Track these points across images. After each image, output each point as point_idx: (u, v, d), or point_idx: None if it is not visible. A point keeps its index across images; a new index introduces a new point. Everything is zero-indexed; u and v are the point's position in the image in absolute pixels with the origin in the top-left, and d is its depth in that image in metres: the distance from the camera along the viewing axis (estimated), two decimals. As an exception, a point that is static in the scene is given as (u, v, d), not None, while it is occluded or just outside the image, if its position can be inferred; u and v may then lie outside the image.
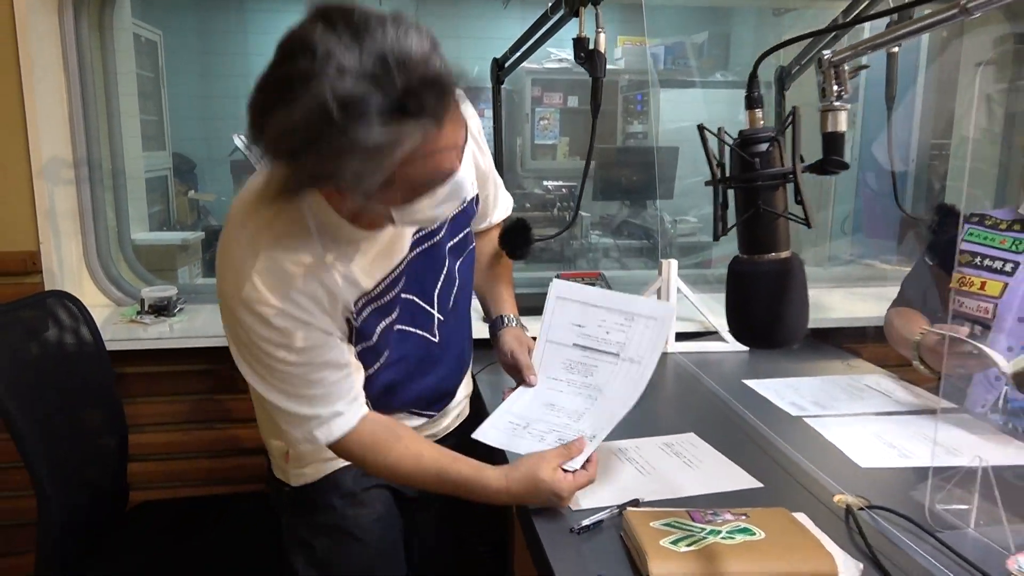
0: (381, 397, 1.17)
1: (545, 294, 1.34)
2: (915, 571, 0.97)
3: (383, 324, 1.12)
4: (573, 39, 1.33)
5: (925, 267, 1.74)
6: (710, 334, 1.93)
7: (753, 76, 0.85)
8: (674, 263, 1.87)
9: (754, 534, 0.98)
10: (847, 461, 1.29)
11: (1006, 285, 1.54)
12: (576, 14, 1.33)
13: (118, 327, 1.93)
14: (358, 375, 1.10)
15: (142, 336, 1.90)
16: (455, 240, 1.21)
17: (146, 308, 1.97)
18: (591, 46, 1.31)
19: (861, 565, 0.96)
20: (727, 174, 0.88)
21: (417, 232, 1.13)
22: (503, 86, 1.93)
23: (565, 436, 1.16)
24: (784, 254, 0.85)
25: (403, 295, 1.14)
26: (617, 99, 4.51)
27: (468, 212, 1.25)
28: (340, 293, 1.03)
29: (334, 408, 1.06)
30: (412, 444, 1.12)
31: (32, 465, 1.40)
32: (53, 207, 1.90)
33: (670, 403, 1.63)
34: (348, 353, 1.08)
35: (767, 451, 1.35)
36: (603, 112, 1.35)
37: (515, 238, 1.35)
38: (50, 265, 1.89)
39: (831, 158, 0.83)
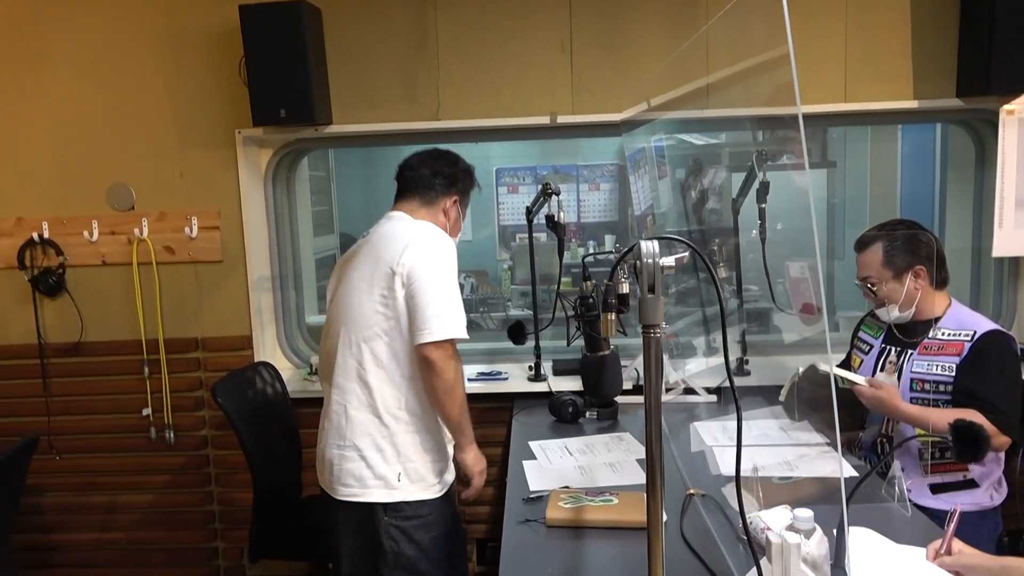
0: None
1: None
2: (696, 519, 1.76)
3: None
4: (545, 215, 2.24)
5: None
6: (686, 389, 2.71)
7: (584, 269, 1.73)
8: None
9: (611, 501, 1.81)
10: (710, 471, 2.07)
11: (862, 360, 2.28)
12: (548, 198, 2.24)
13: (297, 382, 3.01)
14: None
15: (311, 389, 2.96)
16: None
17: (313, 370, 3.04)
18: (556, 219, 2.22)
19: (666, 516, 1.76)
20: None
21: None
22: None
23: None
24: (604, 353, 1.70)
25: None
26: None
27: None
28: None
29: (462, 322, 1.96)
30: None
31: (253, 468, 2.44)
32: (260, 307, 3.03)
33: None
34: None
35: (669, 465, 2.14)
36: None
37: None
38: (257, 343, 3.01)
39: (620, 306, 1.67)
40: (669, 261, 0.94)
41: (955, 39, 2.74)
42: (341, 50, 2.81)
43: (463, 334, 1.92)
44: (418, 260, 1.92)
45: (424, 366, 1.91)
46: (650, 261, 0.92)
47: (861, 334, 2.40)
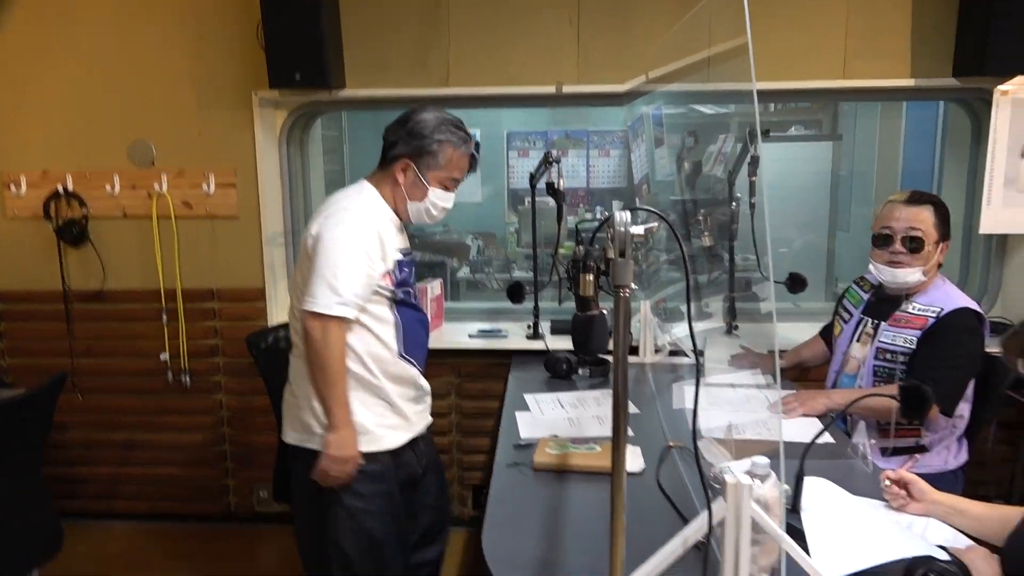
0: (412, 342, 2.06)
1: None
2: (673, 469, 1.91)
3: (408, 281, 2.05)
4: (546, 182, 2.36)
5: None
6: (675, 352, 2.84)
7: (577, 234, 1.85)
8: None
9: (595, 449, 1.97)
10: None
11: (842, 328, 2.39)
12: (549, 166, 2.36)
13: (307, 334, 3.16)
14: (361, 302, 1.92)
15: (320, 340, 3.11)
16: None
17: (323, 323, 3.19)
18: (556, 187, 2.34)
19: (645, 465, 1.91)
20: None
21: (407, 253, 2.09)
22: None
23: None
24: (593, 312, 1.83)
25: (410, 277, 2.07)
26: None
27: None
28: (389, 244, 1.98)
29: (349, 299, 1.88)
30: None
31: (277, 410, 2.58)
32: (272, 261, 3.17)
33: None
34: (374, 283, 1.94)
35: (653, 420, 2.29)
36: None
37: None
38: (270, 295, 3.16)
39: (604, 269, 1.80)
40: (639, 230, 1.06)
41: (954, 19, 2.80)
42: (355, 17, 2.90)
43: (339, 312, 1.87)
44: (323, 228, 1.92)
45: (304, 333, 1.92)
46: (622, 229, 1.05)
47: (844, 302, 2.49)
